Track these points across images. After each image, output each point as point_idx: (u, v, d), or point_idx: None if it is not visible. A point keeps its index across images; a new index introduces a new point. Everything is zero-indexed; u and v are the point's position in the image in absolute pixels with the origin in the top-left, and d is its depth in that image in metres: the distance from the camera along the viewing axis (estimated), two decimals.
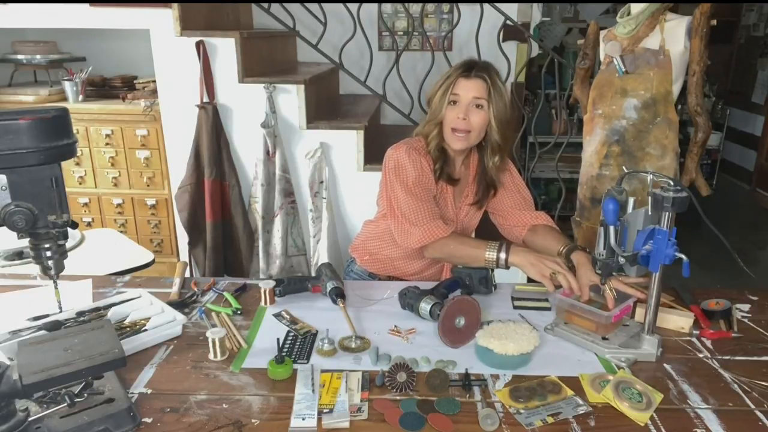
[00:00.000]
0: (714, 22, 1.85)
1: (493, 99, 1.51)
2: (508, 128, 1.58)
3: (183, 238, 3.02)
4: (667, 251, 1.18)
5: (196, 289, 1.57)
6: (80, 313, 1.37)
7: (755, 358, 1.29)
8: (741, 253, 1.32)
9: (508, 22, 3.02)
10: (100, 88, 3.41)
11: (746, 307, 1.53)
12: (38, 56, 3.22)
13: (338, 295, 1.46)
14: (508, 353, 1.20)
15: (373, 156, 2.88)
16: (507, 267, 1.47)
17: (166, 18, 2.67)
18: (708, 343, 1.35)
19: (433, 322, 1.37)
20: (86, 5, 2.67)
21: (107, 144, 3.12)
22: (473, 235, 1.84)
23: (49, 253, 1.08)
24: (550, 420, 1.06)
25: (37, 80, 3.56)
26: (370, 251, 1.77)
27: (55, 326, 1.30)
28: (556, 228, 1.68)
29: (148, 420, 1.05)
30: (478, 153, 1.66)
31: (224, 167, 2.88)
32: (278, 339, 1.19)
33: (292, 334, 1.36)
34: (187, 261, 2.98)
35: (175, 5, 2.64)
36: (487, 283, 1.55)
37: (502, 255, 1.46)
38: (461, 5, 3.22)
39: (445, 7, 3.79)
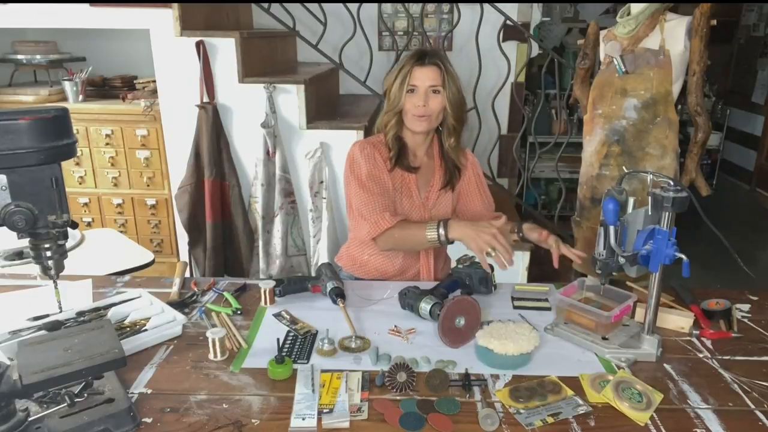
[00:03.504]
0: (714, 22, 1.84)
1: (447, 84, 1.58)
2: (462, 110, 1.65)
3: (183, 238, 3.02)
4: (667, 251, 1.18)
5: (196, 289, 1.57)
6: (80, 313, 1.37)
7: (755, 358, 1.29)
8: (741, 253, 1.32)
9: (508, 22, 3.02)
10: (100, 88, 3.41)
11: (746, 307, 1.53)
12: (38, 56, 3.22)
13: (338, 295, 1.46)
14: (508, 353, 1.20)
15: None
16: (449, 242, 1.52)
17: (166, 18, 2.67)
18: (708, 343, 1.35)
19: (433, 322, 1.37)
20: (86, 5, 2.67)
21: (107, 144, 3.12)
22: None
23: (49, 253, 1.08)
24: (550, 420, 1.06)
25: (37, 80, 3.56)
26: (353, 256, 1.78)
27: (55, 326, 1.30)
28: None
29: (148, 420, 1.05)
30: (438, 139, 1.72)
31: (224, 167, 2.88)
32: (278, 339, 1.19)
33: (292, 334, 1.36)
34: (187, 261, 2.99)
35: (175, 5, 2.64)
36: (487, 283, 1.55)
37: (441, 231, 1.49)
38: (461, 5, 3.23)
39: (445, 7, 3.79)
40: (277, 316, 1.45)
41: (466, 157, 1.76)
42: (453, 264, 1.64)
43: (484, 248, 1.40)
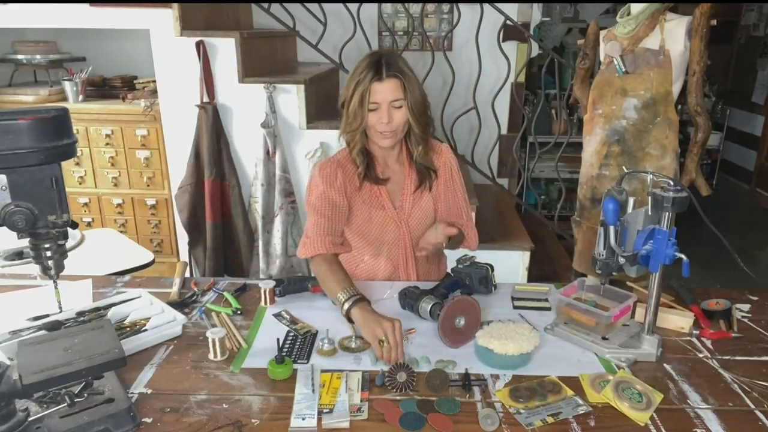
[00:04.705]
0: (714, 22, 1.84)
1: (409, 93, 1.51)
2: (426, 117, 1.57)
3: (183, 238, 3.02)
4: (667, 251, 1.18)
5: (196, 289, 1.57)
6: (80, 313, 1.37)
7: (755, 358, 1.29)
8: (741, 253, 1.32)
9: (508, 22, 3.02)
10: (100, 88, 3.42)
11: (746, 307, 1.53)
12: (38, 56, 3.23)
13: None
14: (508, 353, 1.20)
15: None
16: (350, 320, 1.37)
17: (166, 18, 2.67)
18: (708, 343, 1.35)
19: (433, 322, 1.37)
20: (86, 5, 2.68)
21: (107, 144, 3.12)
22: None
23: (49, 253, 1.08)
24: (550, 420, 1.06)
25: (37, 80, 3.56)
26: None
27: (55, 326, 1.30)
28: (460, 232, 1.65)
29: (148, 420, 1.05)
30: (406, 145, 1.64)
31: (224, 167, 2.88)
32: (278, 339, 1.20)
33: (292, 334, 1.36)
34: (187, 261, 2.99)
35: (175, 5, 2.64)
36: (487, 283, 1.55)
37: (347, 305, 1.36)
38: (461, 5, 3.23)
39: (445, 7, 3.79)
40: (277, 316, 1.45)
41: (440, 153, 1.68)
42: (453, 264, 1.64)
43: (377, 334, 1.25)
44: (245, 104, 2.81)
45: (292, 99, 2.81)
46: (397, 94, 1.49)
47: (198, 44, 2.68)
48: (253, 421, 1.05)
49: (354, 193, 1.61)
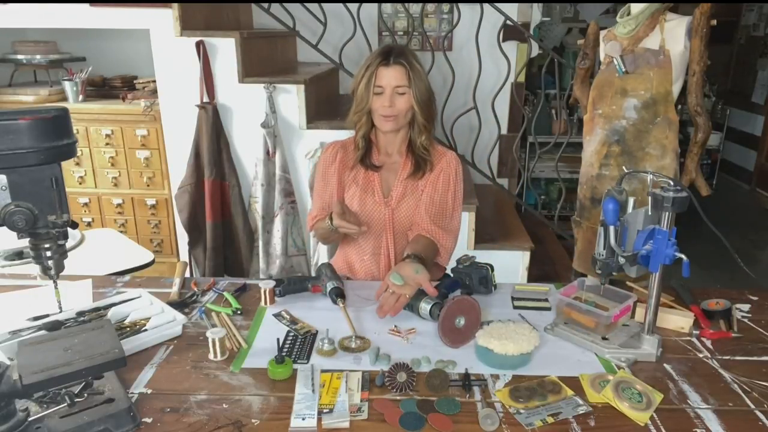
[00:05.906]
0: (714, 22, 1.84)
1: (413, 83, 1.58)
2: (431, 108, 1.66)
3: (183, 238, 3.02)
4: (667, 251, 1.18)
5: (196, 289, 1.57)
6: (80, 313, 1.37)
7: (755, 358, 1.29)
8: (741, 253, 1.32)
9: (508, 22, 3.02)
10: (100, 88, 3.42)
11: (746, 307, 1.53)
12: (38, 56, 3.23)
13: (338, 295, 1.46)
14: (508, 353, 1.20)
15: None
16: (334, 227, 1.56)
17: (166, 18, 2.67)
18: (708, 343, 1.35)
19: (433, 322, 1.37)
20: (86, 5, 2.68)
21: (107, 144, 3.12)
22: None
23: (49, 253, 1.08)
24: (550, 420, 1.06)
25: (37, 80, 3.56)
26: (344, 258, 1.82)
27: (55, 326, 1.30)
28: (434, 245, 1.65)
29: (148, 420, 1.05)
30: (410, 134, 1.71)
31: (224, 167, 2.88)
32: (278, 339, 1.19)
33: (292, 334, 1.36)
34: (187, 261, 2.99)
35: (175, 5, 2.65)
36: (487, 283, 1.55)
37: (328, 221, 1.58)
38: (461, 5, 3.23)
39: (445, 7, 3.79)
40: (277, 316, 1.45)
41: (444, 155, 1.71)
42: (453, 264, 1.65)
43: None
44: (245, 104, 2.82)
45: (292, 99, 2.82)
46: (401, 80, 1.57)
47: (198, 44, 2.68)
48: (253, 421, 1.05)
49: (349, 172, 1.72)
